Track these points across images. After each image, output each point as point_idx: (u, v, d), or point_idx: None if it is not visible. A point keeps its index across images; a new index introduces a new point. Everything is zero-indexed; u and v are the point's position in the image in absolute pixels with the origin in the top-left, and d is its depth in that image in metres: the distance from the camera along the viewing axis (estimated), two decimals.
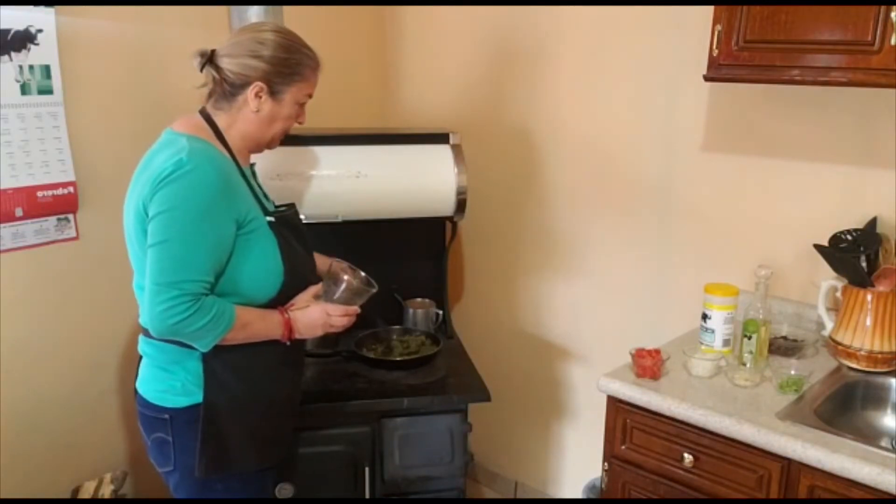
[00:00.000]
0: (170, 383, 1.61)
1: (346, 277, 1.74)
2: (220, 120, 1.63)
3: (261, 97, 1.61)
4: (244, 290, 1.59)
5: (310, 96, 1.70)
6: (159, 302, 1.47)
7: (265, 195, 1.77)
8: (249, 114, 1.63)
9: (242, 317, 1.57)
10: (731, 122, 2.10)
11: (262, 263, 1.61)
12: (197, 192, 1.49)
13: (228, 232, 1.54)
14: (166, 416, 1.61)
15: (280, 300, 1.66)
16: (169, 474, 1.68)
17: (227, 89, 1.62)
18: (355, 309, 1.76)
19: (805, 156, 1.98)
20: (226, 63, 1.60)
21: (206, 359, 1.58)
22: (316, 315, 1.69)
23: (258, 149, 1.72)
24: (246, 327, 1.58)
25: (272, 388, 1.69)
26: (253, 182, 1.71)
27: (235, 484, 1.68)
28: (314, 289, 1.73)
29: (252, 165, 1.76)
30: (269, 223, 1.64)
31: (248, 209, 1.59)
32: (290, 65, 1.62)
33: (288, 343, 1.66)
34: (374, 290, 1.78)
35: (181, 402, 1.60)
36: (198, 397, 1.60)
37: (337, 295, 1.73)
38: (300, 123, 1.73)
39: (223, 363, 1.60)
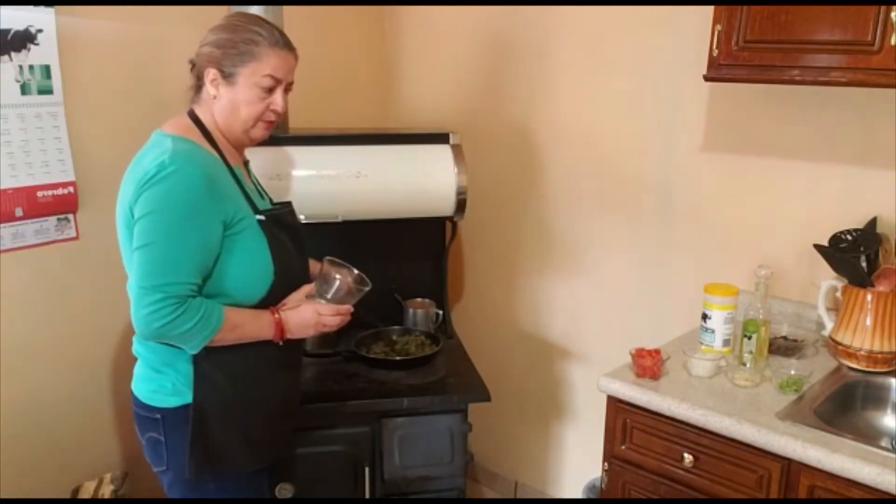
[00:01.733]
0: (161, 383, 1.60)
1: (338, 276, 1.71)
2: (202, 116, 1.63)
3: (216, 83, 1.60)
4: (231, 291, 1.58)
5: (275, 79, 1.60)
6: (144, 305, 1.46)
7: (260, 193, 1.75)
8: (214, 103, 1.62)
9: (232, 318, 1.56)
10: (731, 122, 2.10)
11: (250, 263, 1.59)
12: (180, 193, 1.48)
13: (215, 233, 1.53)
14: (158, 416, 1.61)
15: (271, 300, 1.64)
16: (163, 474, 1.68)
17: (196, 83, 1.64)
18: (348, 308, 1.73)
19: (805, 156, 1.98)
20: (195, 59, 1.63)
21: (197, 360, 1.57)
22: (307, 315, 1.67)
23: (239, 142, 1.68)
24: (236, 328, 1.57)
25: (265, 389, 1.68)
26: (245, 181, 1.69)
27: (228, 484, 1.67)
28: (306, 288, 1.71)
29: (247, 164, 1.76)
30: (260, 222, 1.62)
31: (237, 209, 1.57)
32: (235, 45, 1.58)
33: (280, 344, 1.65)
34: (368, 289, 1.75)
35: (172, 402, 1.60)
36: (188, 398, 1.59)
37: (330, 294, 1.70)
38: (275, 111, 1.63)
39: (214, 364, 1.59)
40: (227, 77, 1.59)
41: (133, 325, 1.51)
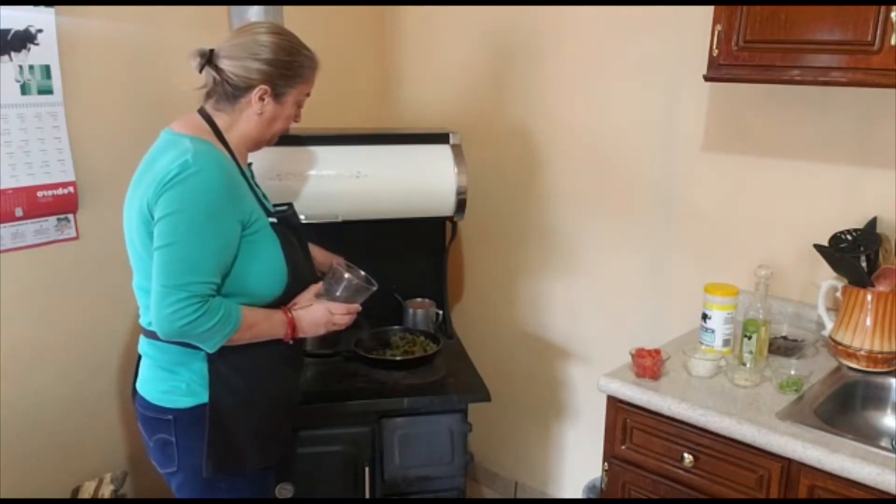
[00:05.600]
0: (174, 384, 1.61)
1: (346, 276, 1.75)
2: (220, 120, 1.64)
3: (264, 99, 1.62)
4: (252, 290, 1.60)
5: (308, 95, 1.72)
6: (167, 304, 1.47)
7: (264, 195, 1.78)
8: (252, 115, 1.63)
9: (248, 317, 1.58)
10: (732, 122, 2.10)
11: (267, 264, 1.62)
12: (203, 193, 1.50)
13: (234, 233, 1.55)
14: (169, 416, 1.61)
15: (282, 300, 1.67)
16: (172, 475, 1.68)
17: (228, 91, 1.62)
18: (356, 307, 1.77)
19: (805, 156, 1.98)
20: (227, 65, 1.60)
21: (212, 359, 1.59)
22: (319, 314, 1.70)
23: (257, 147, 1.73)
24: (252, 327, 1.59)
25: (274, 386, 1.70)
26: (252, 182, 1.72)
27: (239, 483, 1.68)
28: (315, 288, 1.74)
29: (249, 165, 1.77)
30: (272, 224, 1.65)
31: (252, 210, 1.60)
32: (292, 67, 1.63)
33: (291, 342, 1.67)
34: (374, 288, 1.80)
35: (185, 402, 1.60)
36: (203, 397, 1.60)
37: (338, 293, 1.74)
38: (297, 122, 1.74)
39: (228, 363, 1.60)
40: (278, 95, 1.63)
41: (154, 324, 1.51)
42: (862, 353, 1.77)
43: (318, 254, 1.92)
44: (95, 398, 2.29)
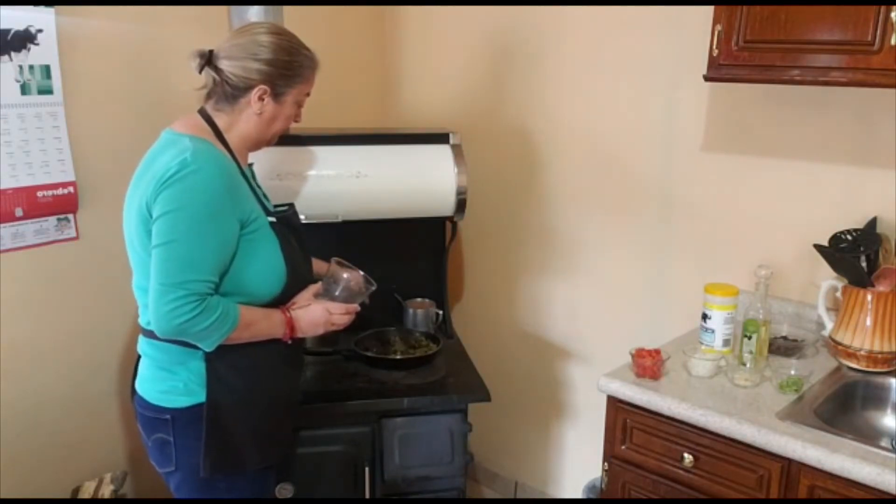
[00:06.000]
0: (172, 384, 1.61)
1: (345, 276, 1.76)
2: (220, 121, 1.64)
3: (263, 99, 1.62)
4: (249, 290, 1.60)
5: (308, 95, 1.72)
6: (165, 302, 1.47)
7: (265, 195, 1.78)
8: (251, 115, 1.64)
9: (246, 316, 1.58)
10: (731, 122, 2.10)
11: (267, 263, 1.62)
12: (202, 192, 1.50)
13: (233, 232, 1.55)
14: (167, 416, 1.61)
15: (281, 300, 1.67)
16: (170, 475, 1.68)
17: (228, 91, 1.62)
18: (355, 307, 1.77)
19: (805, 156, 1.98)
20: (226, 65, 1.60)
21: (210, 358, 1.59)
22: (318, 314, 1.70)
23: (257, 147, 1.73)
24: (249, 326, 1.59)
25: (273, 386, 1.70)
26: (253, 182, 1.72)
27: (238, 483, 1.68)
28: (314, 288, 1.74)
29: (250, 166, 1.77)
30: (271, 223, 1.65)
31: (251, 209, 1.60)
32: (292, 67, 1.63)
33: (289, 342, 1.67)
34: (373, 288, 1.80)
35: (183, 402, 1.60)
36: (200, 397, 1.60)
37: (337, 293, 1.75)
38: (297, 122, 1.74)
39: (226, 363, 1.60)
40: (277, 95, 1.64)
41: (153, 322, 1.51)
42: (862, 353, 1.77)
43: (316, 265, 1.90)
44: (95, 398, 2.30)
